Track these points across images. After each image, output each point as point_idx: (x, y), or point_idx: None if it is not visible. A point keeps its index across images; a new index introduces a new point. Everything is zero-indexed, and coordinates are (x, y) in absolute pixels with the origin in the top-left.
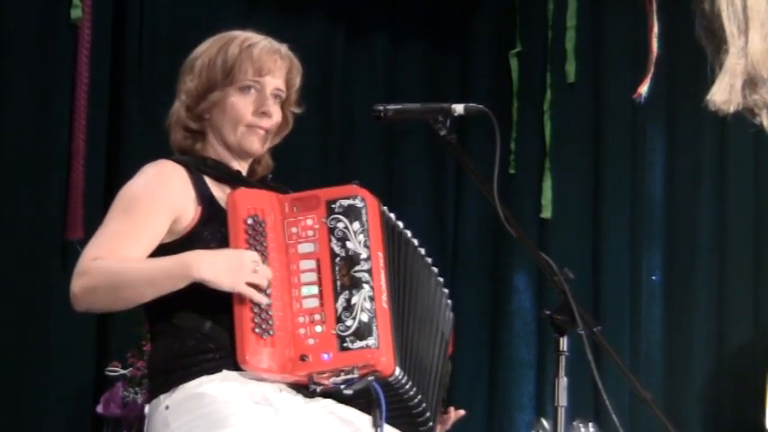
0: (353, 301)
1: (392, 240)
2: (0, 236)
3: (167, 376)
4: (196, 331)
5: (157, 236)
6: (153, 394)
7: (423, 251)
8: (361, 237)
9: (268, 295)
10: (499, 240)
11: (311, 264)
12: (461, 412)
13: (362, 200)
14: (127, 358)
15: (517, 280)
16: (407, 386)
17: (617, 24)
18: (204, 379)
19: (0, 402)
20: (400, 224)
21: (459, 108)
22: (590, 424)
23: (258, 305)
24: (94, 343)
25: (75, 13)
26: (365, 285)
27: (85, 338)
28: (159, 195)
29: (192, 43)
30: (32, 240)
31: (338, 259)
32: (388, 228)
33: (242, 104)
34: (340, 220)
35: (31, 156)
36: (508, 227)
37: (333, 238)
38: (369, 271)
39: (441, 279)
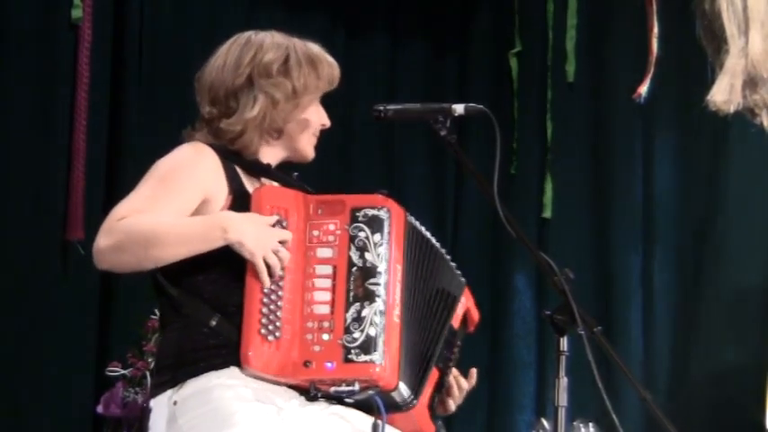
0: (364, 313)
1: (415, 253)
2: (0, 236)
3: (175, 371)
4: (204, 326)
5: (186, 209)
6: (159, 389)
7: (448, 258)
8: (381, 249)
9: (272, 288)
10: (499, 241)
11: (327, 269)
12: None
13: (388, 211)
14: (127, 358)
15: (517, 280)
16: (409, 398)
17: (617, 24)
18: (212, 375)
19: (0, 402)
20: (428, 235)
21: (459, 108)
22: (590, 424)
23: (268, 304)
24: (95, 343)
25: (76, 13)
26: (377, 299)
27: (86, 338)
28: (193, 173)
29: (193, 43)
30: (33, 240)
31: (355, 269)
32: (412, 240)
33: (317, 113)
34: (362, 230)
35: (31, 156)
36: (508, 227)
37: (352, 247)
38: (384, 284)
39: (462, 280)
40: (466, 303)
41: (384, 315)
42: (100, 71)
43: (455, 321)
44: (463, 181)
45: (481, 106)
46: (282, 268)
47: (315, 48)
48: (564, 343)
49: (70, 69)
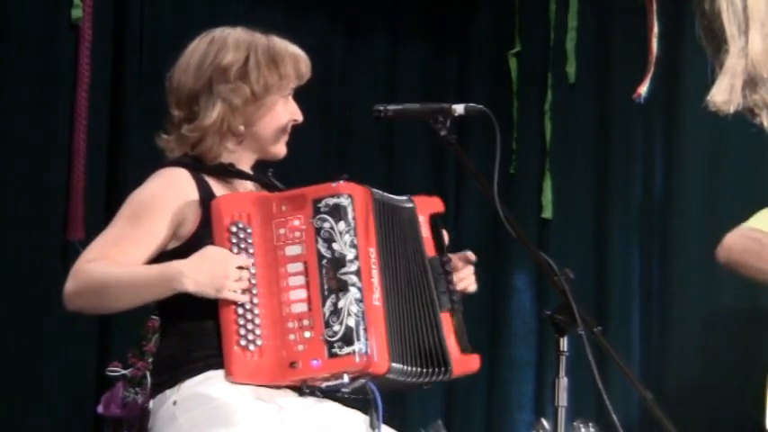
0: (340, 305)
1: (390, 228)
2: (0, 236)
3: (173, 372)
4: (200, 328)
5: (158, 243)
6: (158, 389)
7: (396, 197)
8: (347, 237)
9: (251, 287)
10: (499, 240)
11: (299, 267)
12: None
13: (349, 197)
14: (128, 358)
15: (517, 280)
16: (410, 372)
17: (618, 25)
18: (210, 374)
19: (0, 402)
20: (393, 200)
21: (459, 108)
22: (590, 424)
23: (244, 314)
24: (95, 343)
25: (76, 13)
26: (352, 288)
27: (86, 339)
28: (164, 204)
29: None
30: (33, 240)
31: (325, 261)
32: (384, 218)
33: (285, 111)
34: (326, 220)
35: (31, 156)
36: (508, 227)
37: (319, 240)
38: (357, 272)
39: (409, 206)
40: (425, 219)
41: (362, 302)
42: (100, 71)
43: (430, 251)
44: (463, 181)
45: (481, 106)
46: (254, 276)
47: (279, 44)
48: (564, 343)
49: (70, 69)
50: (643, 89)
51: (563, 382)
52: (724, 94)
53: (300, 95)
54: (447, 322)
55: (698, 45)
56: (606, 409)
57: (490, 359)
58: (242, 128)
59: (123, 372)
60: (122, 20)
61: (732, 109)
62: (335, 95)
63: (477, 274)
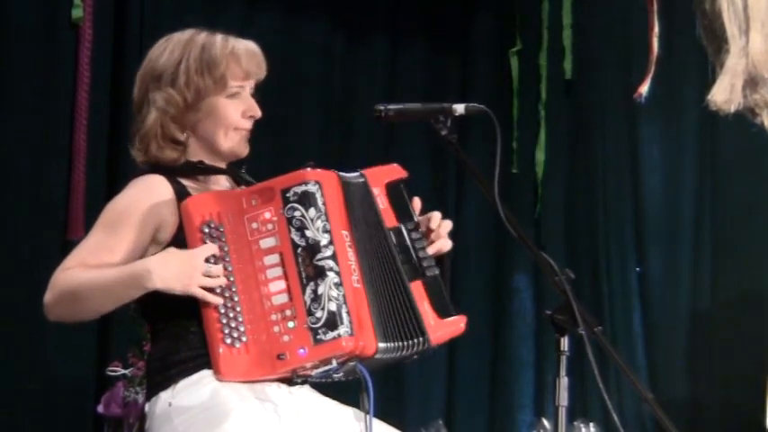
0: (320, 291)
1: (360, 209)
2: (1, 235)
3: (166, 373)
4: (186, 331)
5: (136, 250)
6: (153, 391)
7: (355, 174)
8: (319, 222)
9: (225, 294)
10: (500, 240)
11: (275, 258)
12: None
13: (316, 183)
14: (128, 358)
15: (518, 280)
16: (395, 348)
17: (616, 23)
18: (204, 373)
19: (0, 402)
20: (360, 180)
21: (459, 108)
22: (591, 424)
23: (226, 313)
24: (95, 343)
25: (77, 13)
26: (329, 273)
27: (86, 338)
28: (141, 211)
29: None
30: (34, 240)
31: (300, 250)
32: (354, 200)
33: (232, 110)
34: (296, 209)
35: (32, 155)
36: (509, 227)
37: (292, 229)
38: (332, 256)
39: (360, 181)
40: (381, 190)
41: (341, 286)
42: (100, 71)
43: (389, 222)
44: (463, 181)
45: (482, 106)
46: (231, 274)
47: (217, 45)
48: (564, 343)
49: (70, 69)
50: (644, 89)
51: (563, 381)
52: (724, 93)
53: (301, 96)
54: (419, 291)
55: (698, 44)
56: (612, 410)
57: (491, 359)
58: (184, 135)
59: (123, 371)
60: (122, 20)
61: (733, 108)
62: (335, 96)
63: (478, 273)
